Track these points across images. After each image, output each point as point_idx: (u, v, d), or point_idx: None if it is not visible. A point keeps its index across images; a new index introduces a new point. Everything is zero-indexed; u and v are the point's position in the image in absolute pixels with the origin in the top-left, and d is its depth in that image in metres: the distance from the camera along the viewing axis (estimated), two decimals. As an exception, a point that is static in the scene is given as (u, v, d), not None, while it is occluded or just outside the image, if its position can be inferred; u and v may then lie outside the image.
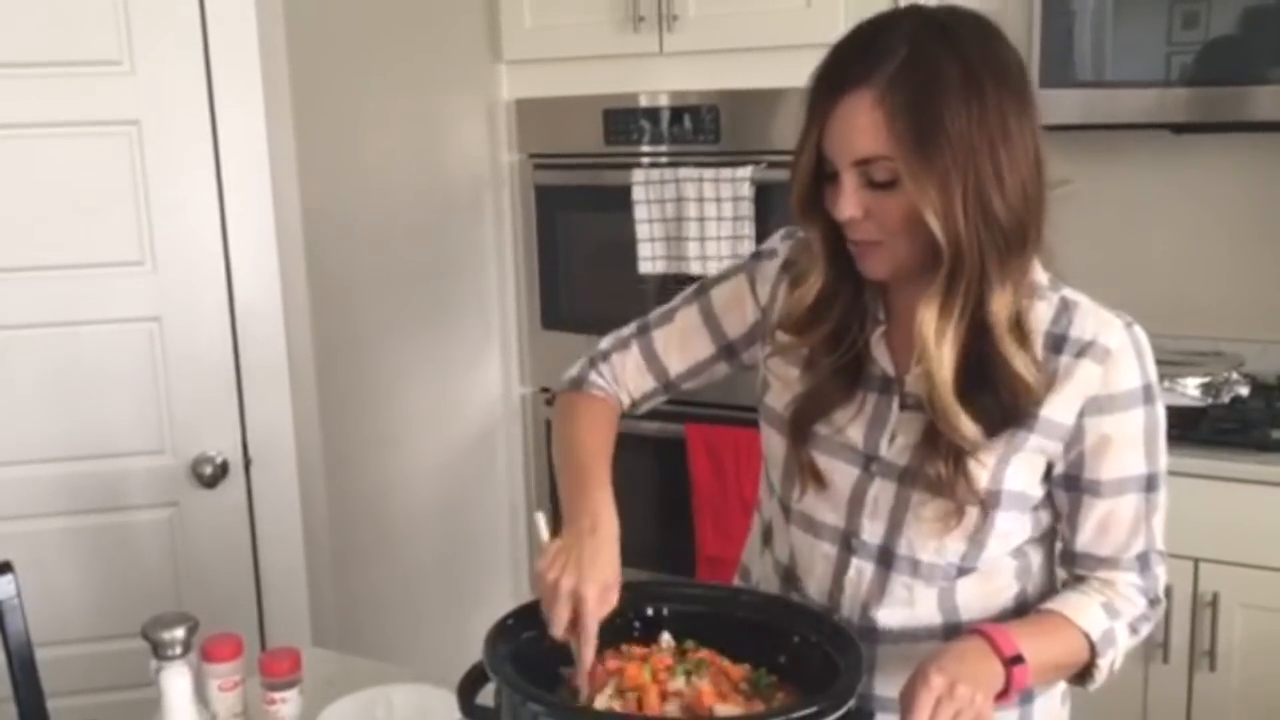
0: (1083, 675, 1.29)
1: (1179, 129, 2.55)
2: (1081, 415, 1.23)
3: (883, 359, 1.29)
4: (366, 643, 2.62)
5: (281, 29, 2.28)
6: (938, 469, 1.22)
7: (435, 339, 2.86)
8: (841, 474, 1.30)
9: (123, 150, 2.15)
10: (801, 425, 1.32)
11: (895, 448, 1.27)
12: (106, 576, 2.25)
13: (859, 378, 1.29)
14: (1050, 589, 1.35)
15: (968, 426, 1.19)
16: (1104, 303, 1.28)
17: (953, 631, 1.28)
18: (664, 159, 2.75)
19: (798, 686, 1.21)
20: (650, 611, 1.31)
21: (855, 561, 1.31)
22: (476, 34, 2.89)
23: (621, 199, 2.73)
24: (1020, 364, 1.19)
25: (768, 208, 2.58)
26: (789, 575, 1.39)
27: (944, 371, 1.18)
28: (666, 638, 1.29)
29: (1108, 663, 1.28)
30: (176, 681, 1.34)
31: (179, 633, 1.38)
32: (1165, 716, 2.37)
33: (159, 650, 1.39)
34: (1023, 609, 1.32)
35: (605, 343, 1.47)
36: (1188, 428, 2.38)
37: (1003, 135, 1.15)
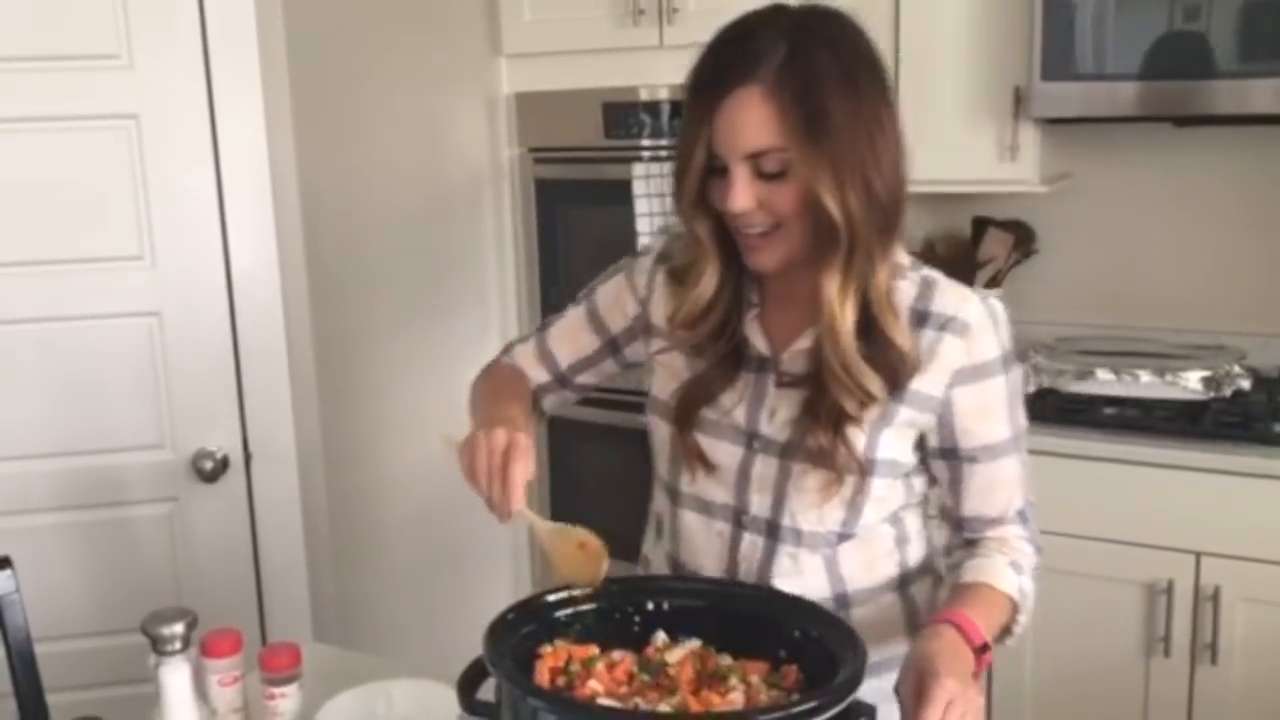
0: (1000, 636, 1.35)
1: (1180, 122, 2.55)
2: (950, 387, 1.31)
3: (757, 340, 1.35)
4: (366, 638, 2.62)
5: (280, 22, 2.27)
6: (818, 440, 1.29)
7: (435, 333, 2.86)
8: (727, 454, 1.37)
9: (121, 145, 2.14)
10: (688, 411, 1.38)
11: (775, 424, 1.34)
12: (106, 571, 2.25)
13: (740, 361, 1.36)
14: (927, 555, 1.44)
15: (873, 381, 1.27)
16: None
17: (841, 601, 1.37)
18: (664, 153, 2.74)
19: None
20: (650, 606, 1.31)
21: (747, 536, 1.38)
22: (476, 28, 2.89)
23: (622, 193, 2.73)
24: (899, 335, 1.28)
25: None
26: (675, 565, 1.45)
27: (847, 338, 1.26)
28: (661, 636, 1.29)
29: (1025, 618, 1.35)
30: (176, 677, 1.34)
31: (178, 628, 1.38)
32: (1167, 711, 2.37)
33: (158, 645, 1.38)
34: (905, 577, 1.41)
35: (514, 339, 1.62)
36: (1189, 421, 2.38)
37: (876, 121, 1.24)
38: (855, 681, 1.11)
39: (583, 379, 1.55)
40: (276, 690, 1.45)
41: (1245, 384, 2.49)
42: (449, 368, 2.90)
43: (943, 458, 1.35)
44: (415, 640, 2.77)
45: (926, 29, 2.60)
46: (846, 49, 1.24)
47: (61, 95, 2.10)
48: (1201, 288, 2.76)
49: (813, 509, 1.33)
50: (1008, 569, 1.34)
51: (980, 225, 2.88)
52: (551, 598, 1.29)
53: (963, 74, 2.60)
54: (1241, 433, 2.32)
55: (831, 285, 1.25)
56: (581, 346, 1.53)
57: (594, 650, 1.25)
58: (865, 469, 1.31)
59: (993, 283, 2.85)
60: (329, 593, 2.50)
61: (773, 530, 1.36)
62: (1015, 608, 1.33)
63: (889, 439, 1.32)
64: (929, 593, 1.45)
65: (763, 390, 1.35)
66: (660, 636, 1.29)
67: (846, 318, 1.26)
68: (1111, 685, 2.41)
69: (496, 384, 1.53)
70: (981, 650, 1.22)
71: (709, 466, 1.38)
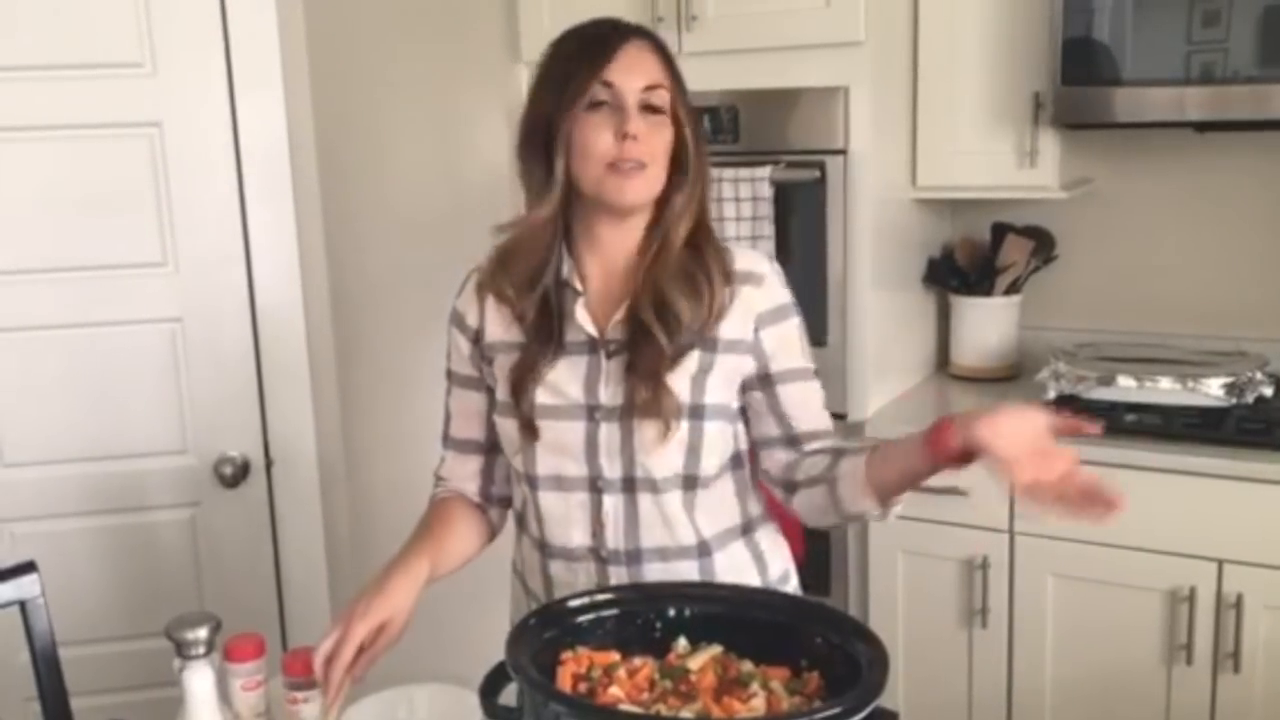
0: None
1: (1201, 127, 2.54)
2: (756, 330, 1.50)
3: (586, 324, 1.49)
4: (387, 643, 2.62)
5: (302, 30, 2.28)
6: (641, 394, 1.45)
7: (454, 340, 2.86)
8: (573, 431, 1.49)
9: (144, 152, 2.16)
10: (520, 388, 1.50)
11: (609, 392, 1.48)
12: (129, 576, 2.27)
13: (561, 340, 1.50)
14: (763, 508, 1.62)
15: (682, 305, 1.45)
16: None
17: (704, 549, 1.52)
18: (682, 159, 2.75)
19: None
20: (672, 612, 1.31)
21: (607, 499, 1.50)
22: (496, 35, 2.90)
23: (640, 199, 2.72)
24: (715, 260, 1.50)
25: (788, 207, 2.57)
26: (543, 545, 1.56)
27: (677, 247, 1.48)
28: (682, 642, 1.29)
29: None
30: (199, 681, 1.35)
31: (202, 632, 1.39)
32: (1189, 719, 2.36)
33: (182, 650, 1.39)
34: (748, 524, 1.58)
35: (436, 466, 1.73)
36: (1211, 428, 2.37)
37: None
38: (878, 688, 1.11)
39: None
40: (299, 695, 1.45)
41: (1267, 390, 2.47)
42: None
43: (760, 387, 1.52)
44: (437, 645, 2.77)
45: (946, 35, 2.60)
46: None
47: (85, 103, 2.12)
48: (1223, 294, 2.75)
49: (656, 455, 1.47)
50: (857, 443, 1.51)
51: (1000, 231, 2.87)
52: (573, 603, 1.30)
53: (982, 80, 2.59)
54: (1264, 440, 2.30)
55: (678, 200, 1.48)
56: (476, 411, 1.63)
57: (615, 656, 1.25)
58: (693, 412, 1.47)
59: (1012, 289, 2.85)
60: (349, 597, 2.50)
61: (628, 485, 1.49)
62: None
63: (715, 384, 1.48)
64: (770, 540, 1.62)
65: (595, 367, 1.49)
66: (681, 642, 1.29)
67: (680, 229, 1.48)
68: (1133, 693, 2.40)
69: (420, 525, 1.65)
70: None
71: (558, 446, 1.49)
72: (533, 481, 1.54)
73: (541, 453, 1.51)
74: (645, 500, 1.49)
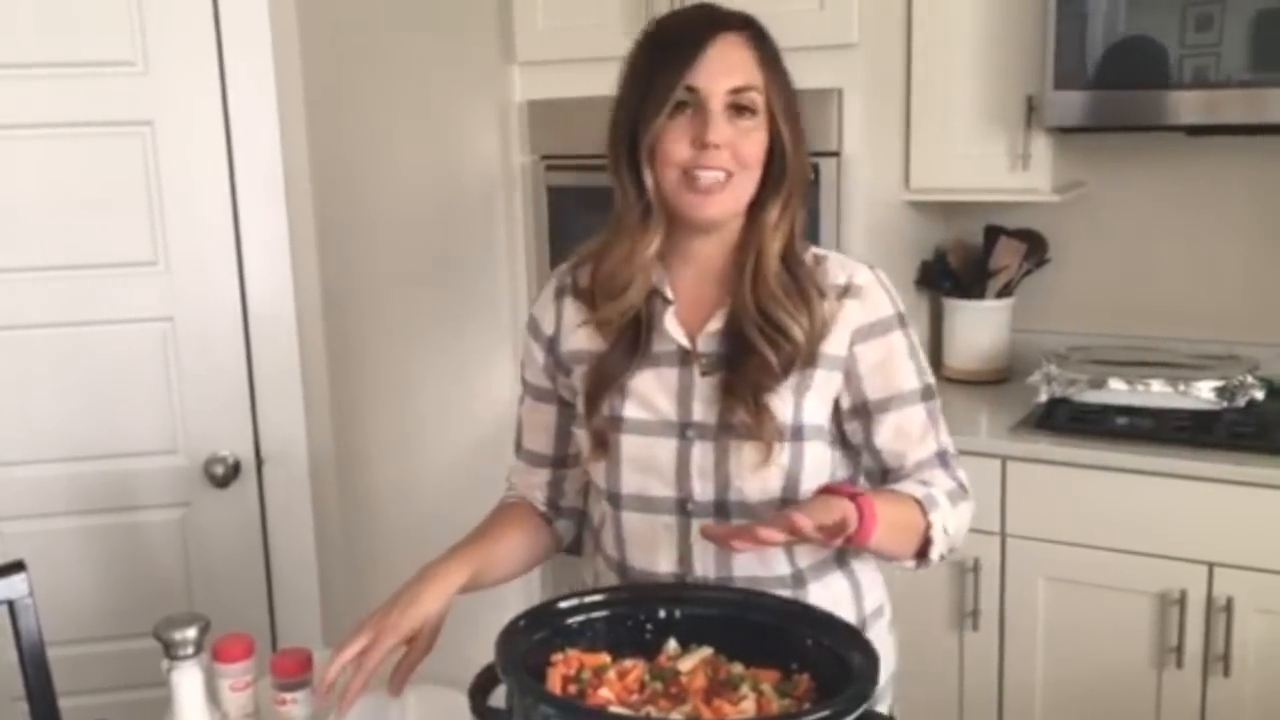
0: (924, 548, 1.38)
1: (1192, 131, 2.54)
2: (852, 345, 1.40)
3: (676, 334, 1.41)
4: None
5: (295, 30, 2.28)
6: (742, 415, 1.36)
7: (447, 339, 2.86)
8: (663, 448, 1.40)
9: (136, 151, 2.16)
10: (596, 396, 1.42)
11: (703, 409, 1.39)
12: (118, 576, 2.26)
13: (647, 349, 1.41)
14: None
15: (791, 322, 1.35)
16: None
17: (798, 579, 1.43)
18: (676, 160, 2.74)
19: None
20: (662, 614, 1.31)
21: (695, 523, 1.40)
22: (489, 35, 2.89)
23: (633, 200, 2.72)
24: (811, 282, 1.39)
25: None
26: (623, 569, 1.47)
27: (775, 262, 1.38)
28: (673, 644, 1.29)
29: (939, 522, 1.37)
30: (187, 681, 1.34)
31: (190, 633, 1.38)
32: (1179, 722, 2.36)
33: (170, 650, 1.38)
34: (843, 552, 1.45)
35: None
36: (1202, 431, 2.37)
37: (796, 95, 1.40)
38: (869, 691, 1.11)
39: (574, 449, 1.54)
40: (287, 696, 1.45)
41: (1258, 394, 2.47)
42: (461, 373, 2.91)
43: (855, 416, 1.42)
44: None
45: (939, 37, 2.60)
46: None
47: (77, 102, 2.12)
48: (1214, 297, 2.75)
49: (754, 479, 1.38)
50: (910, 484, 1.40)
51: (992, 234, 2.87)
52: (563, 605, 1.29)
53: (975, 83, 2.59)
54: (1255, 443, 2.31)
55: (773, 212, 1.37)
56: (546, 425, 1.56)
57: (605, 658, 1.25)
58: (794, 434, 1.37)
59: (1004, 292, 2.85)
60: (341, 598, 2.50)
61: (721, 509, 1.39)
62: (922, 506, 1.36)
63: (813, 404, 1.39)
64: (868, 570, 1.52)
65: (688, 381, 1.40)
66: (672, 644, 1.29)
67: (775, 245, 1.37)
68: (1123, 696, 2.40)
69: (471, 533, 1.55)
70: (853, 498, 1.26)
71: (627, 450, 1.41)
72: (615, 500, 1.45)
73: (627, 469, 1.42)
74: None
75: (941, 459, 1.44)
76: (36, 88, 2.10)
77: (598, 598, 1.32)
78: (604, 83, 3.13)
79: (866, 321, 1.40)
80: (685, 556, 1.42)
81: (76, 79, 2.11)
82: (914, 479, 1.41)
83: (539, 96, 2.93)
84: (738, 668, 1.24)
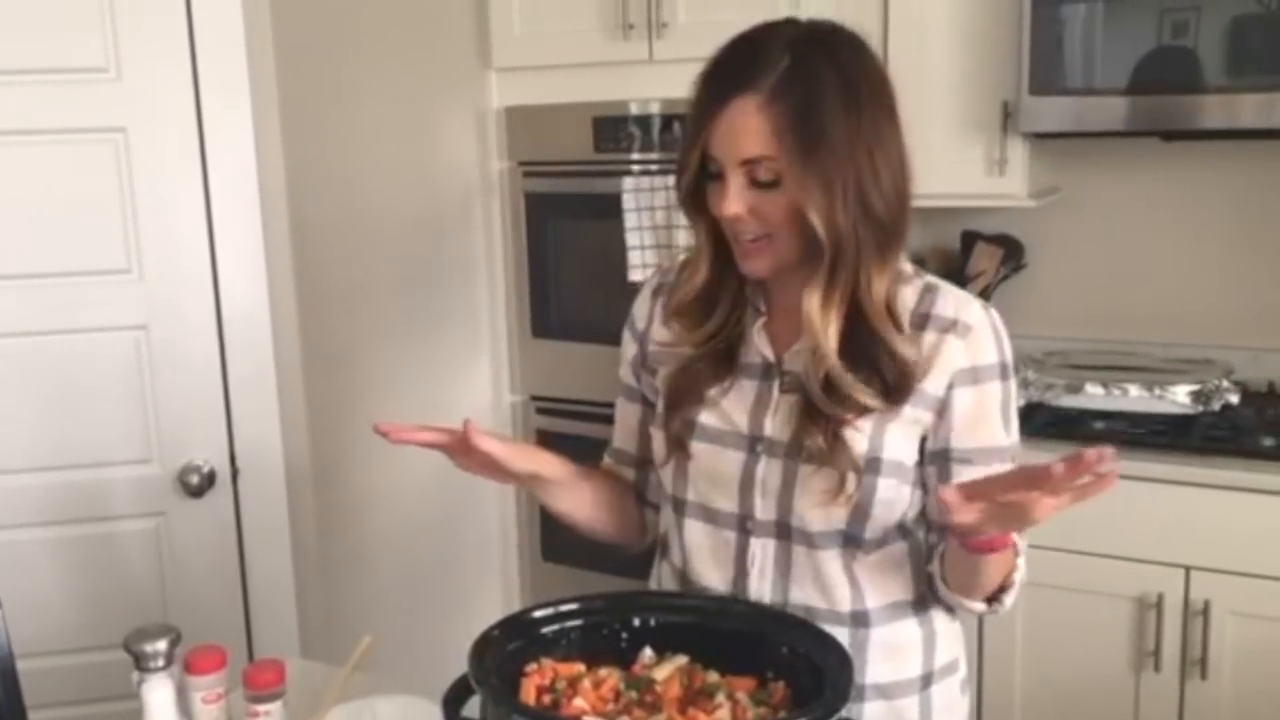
0: (1001, 589, 1.34)
1: (1168, 136, 2.56)
2: (950, 387, 1.31)
3: (763, 346, 1.37)
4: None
5: (269, 36, 2.27)
6: (817, 442, 1.30)
7: (425, 347, 2.85)
8: (730, 460, 1.37)
9: (109, 158, 2.14)
10: (677, 401, 1.39)
11: (778, 426, 1.34)
12: (91, 587, 2.24)
13: (732, 362, 1.38)
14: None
15: (863, 393, 1.28)
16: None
17: (861, 619, 1.35)
18: (654, 166, 2.74)
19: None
20: (637, 622, 1.31)
21: (754, 542, 1.36)
22: (466, 41, 2.89)
23: (611, 206, 2.72)
24: (897, 341, 1.29)
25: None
26: (684, 578, 1.44)
27: (830, 343, 1.28)
28: (648, 652, 1.28)
29: (1023, 566, 1.34)
30: (158, 694, 1.33)
31: (161, 645, 1.37)
32: (1157, 725, 2.37)
33: (141, 662, 1.38)
34: (922, 597, 1.39)
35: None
36: (1178, 435, 2.38)
37: (877, 139, 1.27)
38: (843, 698, 1.11)
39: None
40: (260, 708, 1.43)
41: (1234, 398, 2.49)
42: (438, 381, 2.90)
43: (935, 461, 1.33)
44: (402, 656, 2.75)
45: (915, 43, 2.60)
46: (850, 65, 1.27)
47: (49, 108, 2.10)
48: (1190, 302, 2.77)
49: (819, 508, 1.31)
50: None
51: (969, 239, 2.88)
52: (538, 614, 1.29)
53: (951, 88, 2.60)
54: (1230, 447, 2.32)
55: (813, 300, 1.27)
56: (632, 425, 1.54)
57: (580, 667, 1.25)
58: (869, 466, 1.30)
59: (982, 296, 2.85)
60: (316, 608, 2.48)
61: (782, 531, 1.35)
62: (1015, 551, 1.32)
63: (894, 437, 1.31)
64: (946, 620, 1.43)
65: (767, 395, 1.36)
66: (647, 653, 1.28)
67: (830, 335, 1.28)
68: (1101, 700, 2.41)
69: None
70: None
71: (712, 473, 1.38)
72: (679, 506, 1.43)
73: (694, 477, 1.39)
74: (799, 552, 1.35)
75: None
76: (7, 94, 2.08)
77: (572, 606, 1.31)
78: (581, 88, 3.13)
79: (969, 365, 1.31)
80: (740, 577, 1.38)
81: (48, 85, 2.09)
82: None
83: (516, 102, 2.93)
84: (713, 676, 1.24)
